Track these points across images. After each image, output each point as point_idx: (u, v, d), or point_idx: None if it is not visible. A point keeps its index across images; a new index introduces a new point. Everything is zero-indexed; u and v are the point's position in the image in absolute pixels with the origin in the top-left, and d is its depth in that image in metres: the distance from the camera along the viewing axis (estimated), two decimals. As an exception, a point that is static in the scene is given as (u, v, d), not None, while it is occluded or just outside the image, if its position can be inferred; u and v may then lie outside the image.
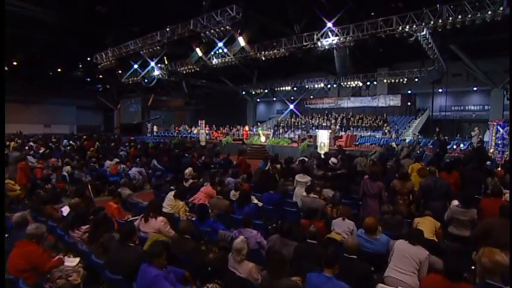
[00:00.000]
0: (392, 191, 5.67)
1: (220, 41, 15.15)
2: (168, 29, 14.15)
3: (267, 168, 8.37)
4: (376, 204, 5.33)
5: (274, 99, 31.21)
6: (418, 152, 12.15)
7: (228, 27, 11.95)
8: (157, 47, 15.14)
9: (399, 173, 5.74)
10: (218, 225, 4.93)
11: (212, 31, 12.40)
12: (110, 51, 18.02)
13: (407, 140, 15.67)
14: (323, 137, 15.81)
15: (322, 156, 11.63)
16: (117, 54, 17.58)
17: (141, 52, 16.10)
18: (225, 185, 7.20)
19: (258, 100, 33.20)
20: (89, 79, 29.56)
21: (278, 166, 8.24)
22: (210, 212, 5.55)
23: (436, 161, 10.82)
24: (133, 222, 4.70)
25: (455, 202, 4.62)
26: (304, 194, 6.33)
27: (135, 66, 21.45)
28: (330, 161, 8.25)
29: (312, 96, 28.80)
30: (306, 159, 11.42)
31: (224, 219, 5.70)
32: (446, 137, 18.54)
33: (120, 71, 25.27)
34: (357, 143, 16.97)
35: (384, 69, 23.21)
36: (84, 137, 16.11)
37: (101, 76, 27.44)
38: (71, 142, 14.02)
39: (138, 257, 3.30)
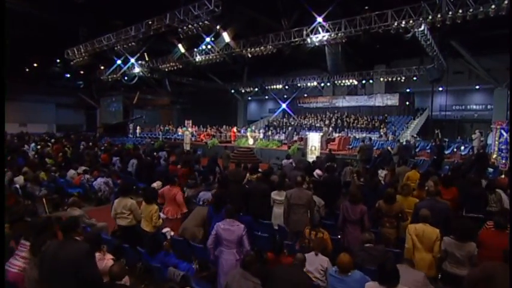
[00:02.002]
0: (376, 212, 5.11)
1: (200, 36, 14.48)
2: (143, 24, 13.42)
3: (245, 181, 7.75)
4: (358, 232, 4.76)
5: (266, 97, 30.61)
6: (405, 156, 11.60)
7: (206, 21, 11.28)
8: (133, 43, 14.43)
9: (384, 193, 5.15)
10: (170, 259, 4.34)
11: (190, 26, 11.72)
12: (83, 46, 17.21)
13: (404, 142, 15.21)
14: (314, 140, 15.23)
15: (312, 162, 11.22)
16: (90, 50, 16.79)
17: (116, 48, 15.35)
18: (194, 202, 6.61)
19: (249, 98, 32.60)
20: (68, 75, 28.61)
21: (255, 177, 7.53)
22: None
23: (434, 169, 10.38)
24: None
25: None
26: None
27: (118, 61, 20.73)
28: (314, 173, 7.70)
29: (305, 95, 28.25)
30: (289, 161, 10.89)
31: (184, 247, 5.12)
32: (446, 139, 18.09)
33: (102, 67, 24.55)
34: (351, 147, 16.41)
35: (381, 67, 22.71)
36: (53, 140, 15.30)
37: (82, 72, 26.62)
38: (38, 147, 13.24)
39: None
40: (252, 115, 33.74)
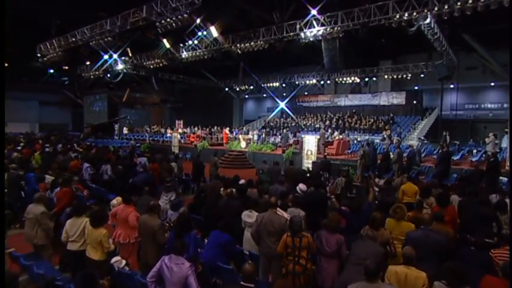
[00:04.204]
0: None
1: (187, 30, 14.01)
2: (119, 17, 12.93)
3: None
4: (334, 267, 4.24)
5: (264, 95, 30.09)
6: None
7: (185, 14, 10.77)
8: (109, 38, 13.94)
9: (370, 217, 4.62)
10: (105, 303, 3.84)
11: (169, 19, 11.22)
12: (56, 41, 16.74)
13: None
14: (310, 144, 14.73)
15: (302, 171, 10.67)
16: (64, 44, 16.31)
17: (91, 43, 14.86)
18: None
19: (247, 96, 32.15)
20: (51, 70, 28.09)
21: (230, 192, 6.91)
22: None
23: (438, 180, 9.82)
24: None
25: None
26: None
27: (106, 56, 20.28)
28: (297, 188, 7.16)
29: (306, 93, 27.72)
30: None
31: (134, 283, 4.63)
32: (457, 142, 17.50)
33: (88, 62, 24.08)
34: (350, 151, 15.81)
35: (387, 63, 22.14)
36: (22, 143, 14.84)
37: (66, 67, 26.15)
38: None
39: None
40: (249, 114, 33.26)
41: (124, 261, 5.04)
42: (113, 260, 4.98)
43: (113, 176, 10.30)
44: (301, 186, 7.07)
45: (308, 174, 10.23)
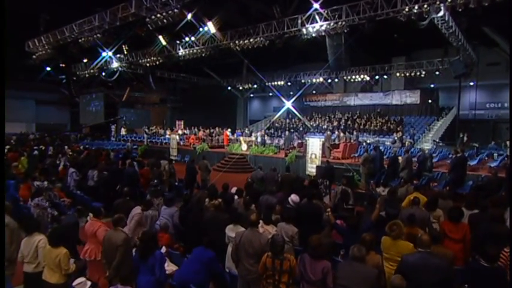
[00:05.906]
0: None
1: (184, 26, 13.77)
2: (107, 12, 12.77)
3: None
4: (320, 297, 3.88)
5: (270, 94, 29.77)
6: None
7: (176, 10, 10.52)
8: (98, 35, 13.80)
9: (362, 239, 4.24)
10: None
11: (159, 15, 10.99)
12: (44, 38, 16.70)
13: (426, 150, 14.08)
14: (314, 147, 14.35)
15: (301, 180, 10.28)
16: (52, 42, 16.26)
17: (80, 40, 14.75)
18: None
19: (252, 95, 31.86)
20: (48, 68, 28.17)
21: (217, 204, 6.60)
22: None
23: (451, 190, 9.37)
24: None
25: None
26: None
27: (104, 54, 20.21)
28: (289, 199, 6.80)
29: (314, 92, 27.32)
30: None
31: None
32: (476, 144, 16.87)
33: (85, 60, 24.05)
34: (357, 155, 15.33)
35: (399, 59, 21.60)
36: (8, 146, 14.75)
37: (63, 65, 26.19)
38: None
39: None
40: (255, 114, 33.01)
41: (89, 283, 4.75)
42: (76, 281, 4.68)
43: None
44: (293, 197, 6.70)
45: (311, 181, 9.88)
